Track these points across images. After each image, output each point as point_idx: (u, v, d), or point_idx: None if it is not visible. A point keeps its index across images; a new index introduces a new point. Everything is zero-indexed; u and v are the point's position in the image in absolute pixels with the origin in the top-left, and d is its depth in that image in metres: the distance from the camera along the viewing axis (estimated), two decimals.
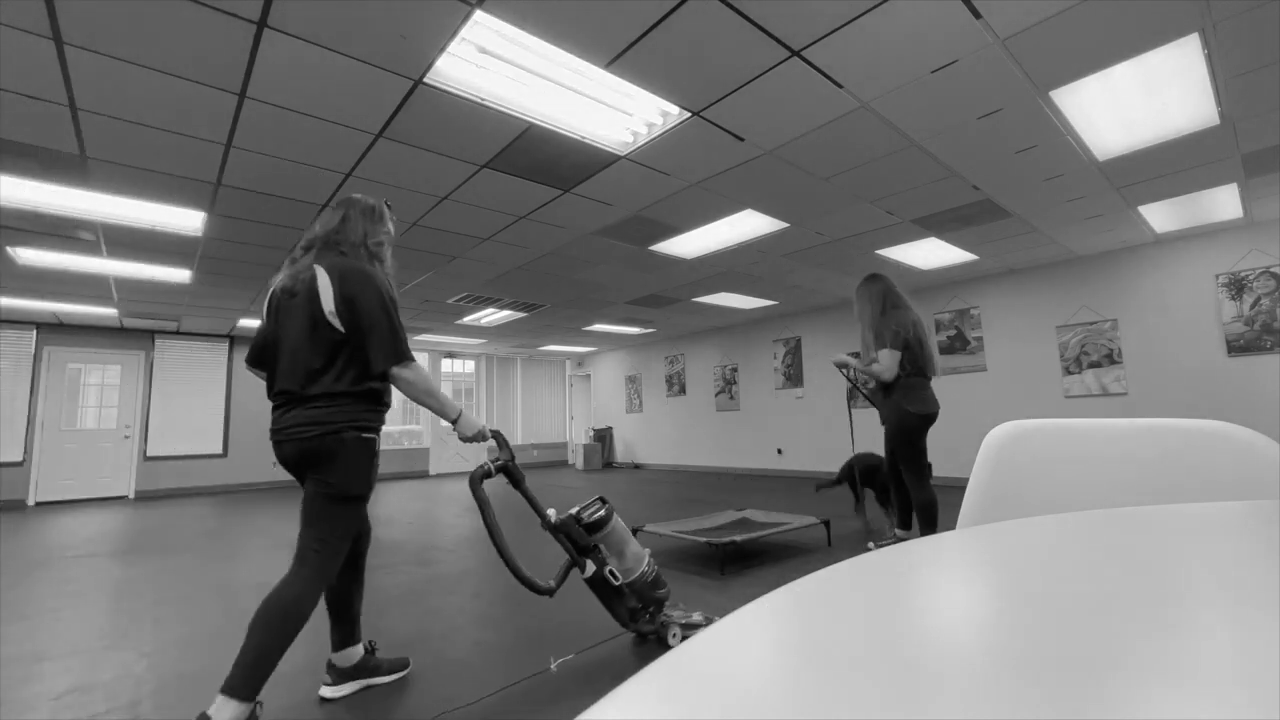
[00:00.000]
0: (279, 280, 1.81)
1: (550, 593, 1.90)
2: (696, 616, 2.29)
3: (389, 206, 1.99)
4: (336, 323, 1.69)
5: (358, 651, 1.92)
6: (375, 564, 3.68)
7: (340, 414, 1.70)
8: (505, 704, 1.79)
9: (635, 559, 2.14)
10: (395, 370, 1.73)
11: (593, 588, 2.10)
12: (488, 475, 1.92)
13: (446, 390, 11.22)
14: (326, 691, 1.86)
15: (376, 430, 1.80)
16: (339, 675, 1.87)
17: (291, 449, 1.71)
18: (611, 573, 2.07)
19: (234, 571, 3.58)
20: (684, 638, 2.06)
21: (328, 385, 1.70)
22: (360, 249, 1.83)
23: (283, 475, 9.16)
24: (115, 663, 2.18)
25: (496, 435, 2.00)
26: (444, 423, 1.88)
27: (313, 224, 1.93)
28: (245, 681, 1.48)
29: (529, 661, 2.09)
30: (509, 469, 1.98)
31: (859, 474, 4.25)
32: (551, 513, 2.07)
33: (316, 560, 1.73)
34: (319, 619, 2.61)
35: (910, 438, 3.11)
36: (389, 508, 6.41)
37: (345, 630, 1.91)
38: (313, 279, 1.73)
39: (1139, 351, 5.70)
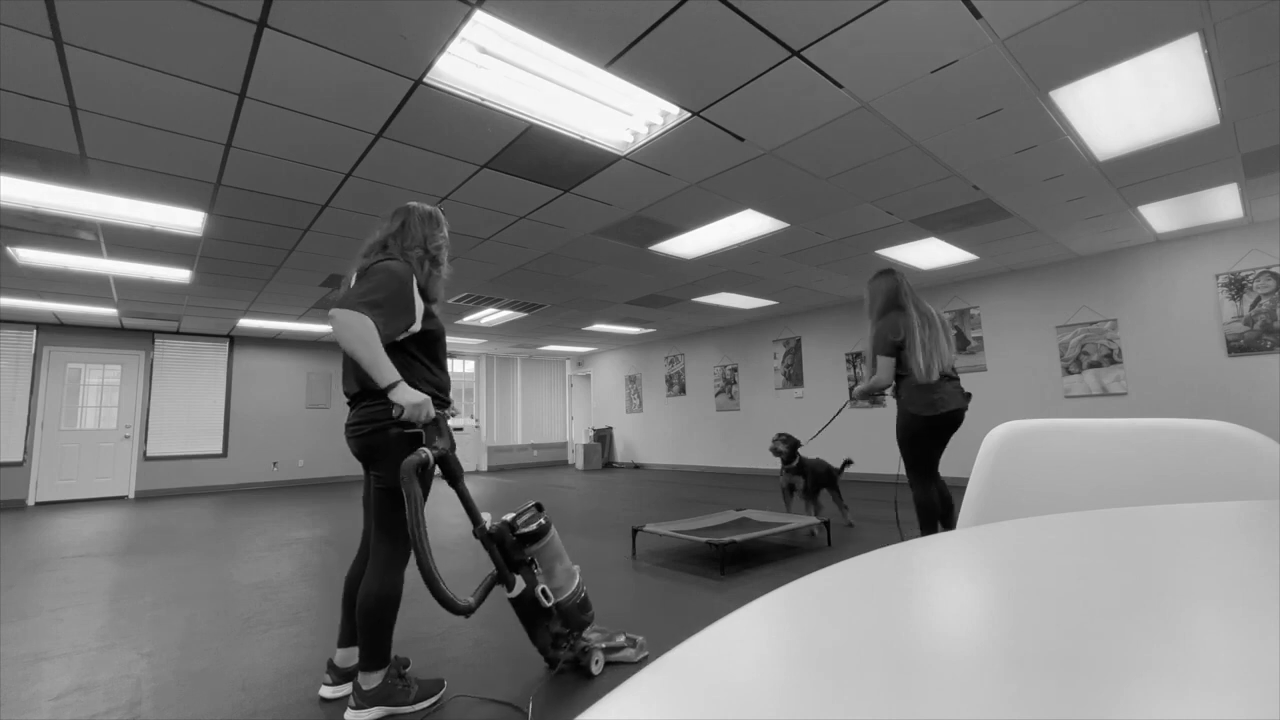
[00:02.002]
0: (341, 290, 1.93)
1: (468, 612, 1.64)
2: (620, 639, 2.09)
3: (443, 213, 2.07)
4: None
5: (356, 654, 1.86)
6: None
7: (386, 411, 1.74)
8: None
9: (566, 576, 1.97)
10: (333, 311, 1.67)
11: (517, 607, 1.90)
12: (424, 465, 1.67)
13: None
14: (326, 692, 1.86)
15: (420, 425, 1.80)
16: (339, 675, 1.87)
17: (353, 446, 1.84)
18: (544, 592, 1.89)
19: (234, 571, 3.58)
20: (607, 663, 2.00)
21: (375, 384, 1.74)
22: (417, 251, 1.92)
23: (283, 475, 9.17)
24: (115, 663, 2.18)
25: (437, 421, 1.80)
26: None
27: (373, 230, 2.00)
28: (373, 658, 1.73)
29: (530, 660, 2.09)
30: (446, 460, 1.79)
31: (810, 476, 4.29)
32: (487, 518, 1.88)
33: (385, 551, 1.81)
34: (318, 620, 2.61)
35: (911, 440, 3.02)
36: None
37: (353, 625, 1.87)
38: (350, 282, 1.85)
39: (1139, 351, 5.70)
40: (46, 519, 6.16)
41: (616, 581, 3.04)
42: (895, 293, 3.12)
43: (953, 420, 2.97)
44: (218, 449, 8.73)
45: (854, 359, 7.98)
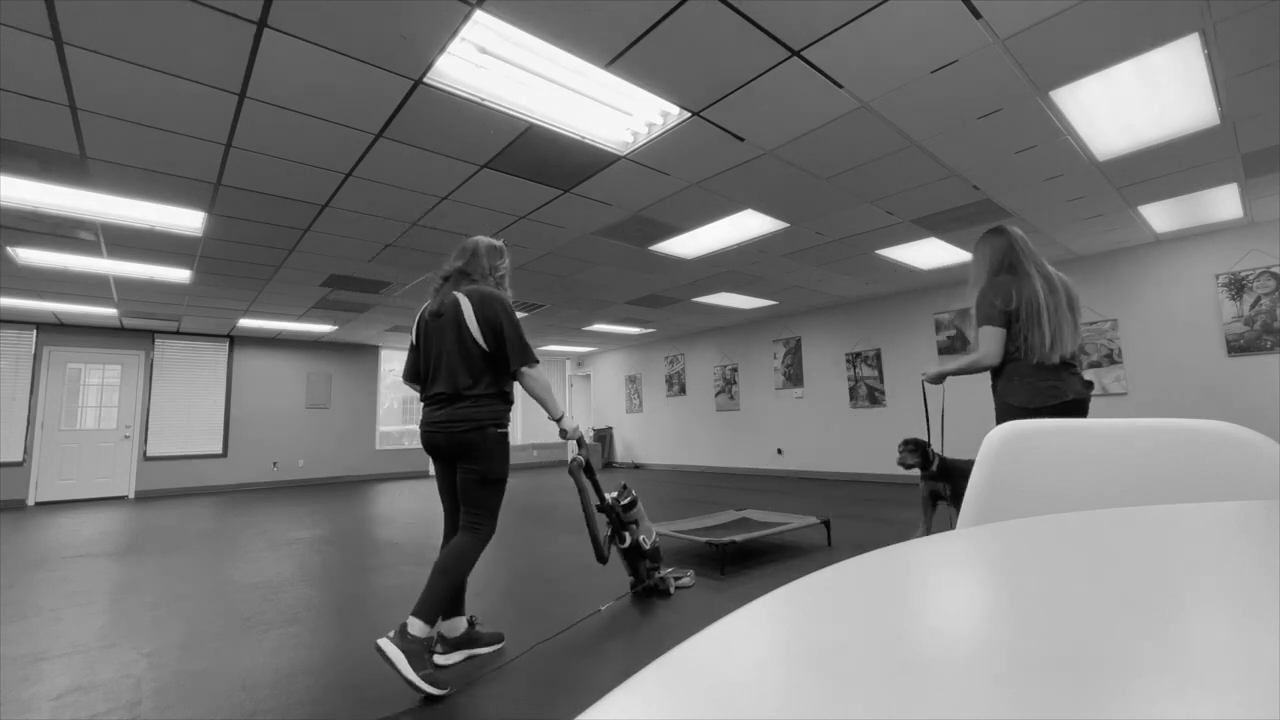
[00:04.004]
0: (428, 306, 2.26)
1: (604, 561, 2.52)
2: (682, 572, 3.05)
3: (505, 246, 2.45)
4: (479, 338, 2.10)
5: (462, 623, 2.21)
6: (375, 564, 3.68)
7: (482, 413, 2.10)
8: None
9: (648, 531, 2.83)
10: (524, 370, 2.13)
11: (626, 554, 2.78)
12: (582, 466, 2.48)
13: None
14: (438, 659, 2.13)
15: (507, 425, 2.20)
16: (447, 645, 2.16)
17: (443, 439, 2.12)
18: (643, 539, 2.77)
19: (234, 571, 3.58)
20: (677, 588, 2.91)
21: (471, 389, 2.10)
22: (490, 278, 2.28)
23: (283, 475, 9.17)
24: (115, 663, 2.18)
25: (580, 438, 2.43)
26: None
27: (447, 259, 2.35)
28: (429, 610, 1.94)
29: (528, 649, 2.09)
30: (589, 462, 2.53)
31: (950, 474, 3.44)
32: (609, 497, 2.74)
33: (477, 530, 2.11)
34: (318, 620, 2.61)
35: None
36: (389, 508, 6.42)
37: (451, 603, 2.17)
38: (456, 303, 2.15)
39: (1139, 351, 5.70)
40: (46, 519, 6.15)
41: (618, 580, 3.03)
42: (1007, 253, 2.39)
43: (1073, 413, 2.23)
44: (218, 449, 8.73)
45: (854, 359, 7.98)
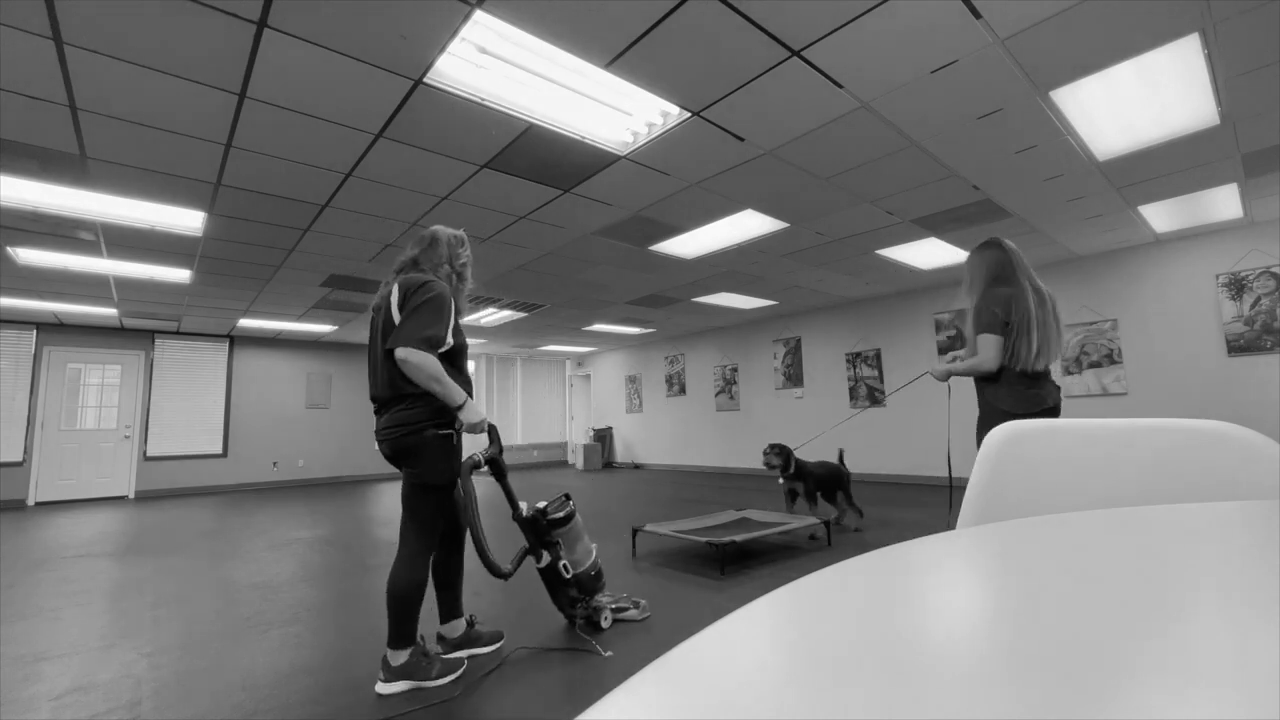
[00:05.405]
0: (374, 300, 2.09)
1: (506, 577, 2.07)
2: (625, 602, 2.56)
3: (466, 235, 2.28)
4: None
5: (461, 624, 2.17)
6: (374, 564, 3.68)
7: (420, 414, 1.92)
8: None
9: (584, 553, 2.38)
10: (400, 352, 1.84)
11: (543, 576, 2.33)
12: (477, 466, 2.05)
13: None
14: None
15: (454, 426, 1.99)
16: (448, 645, 2.13)
17: (386, 448, 1.96)
18: (564, 566, 2.29)
19: (234, 571, 3.58)
20: (615, 620, 2.45)
21: (406, 389, 1.91)
22: (444, 267, 2.09)
23: (282, 476, 9.17)
24: (115, 663, 2.18)
25: (491, 429, 2.14)
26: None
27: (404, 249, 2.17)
28: (399, 638, 1.88)
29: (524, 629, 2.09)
30: (496, 461, 2.15)
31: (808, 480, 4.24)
32: (524, 506, 2.28)
33: (413, 541, 1.96)
34: (318, 620, 2.61)
35: None
36: (389, 508, 6.42)
37: (448, 603, 2.16)
38: (389, 293, 1.98)
39: (1139, 351, 5.70)
40: (46, 519, 6.15)
41: (617, 581, 3.03)
42: (1005, 266, 2.54)
43: (1051, 417, 2.33)
44: (218, 449, 8.73)
45: (853, 359, 7.98)
